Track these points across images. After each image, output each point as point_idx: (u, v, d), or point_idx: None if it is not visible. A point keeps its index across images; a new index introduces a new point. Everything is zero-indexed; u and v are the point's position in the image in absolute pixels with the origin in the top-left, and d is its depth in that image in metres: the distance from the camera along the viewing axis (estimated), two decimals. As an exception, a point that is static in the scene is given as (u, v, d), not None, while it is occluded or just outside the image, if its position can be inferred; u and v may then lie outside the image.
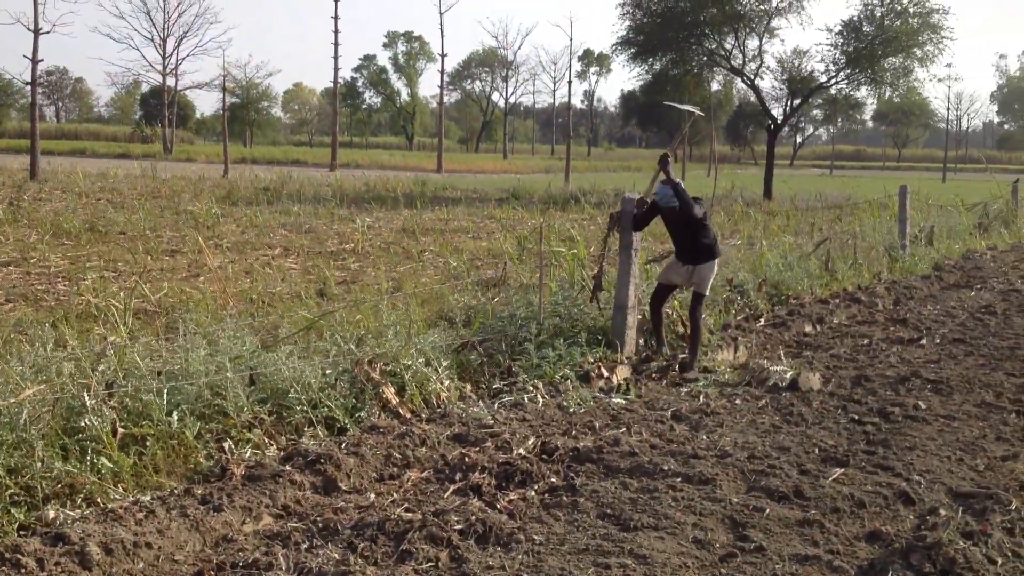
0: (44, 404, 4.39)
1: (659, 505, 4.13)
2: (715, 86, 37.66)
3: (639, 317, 7.35)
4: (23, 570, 3.31)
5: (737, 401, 6.09)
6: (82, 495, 4.03)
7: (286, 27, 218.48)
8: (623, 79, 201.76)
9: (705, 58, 28.81)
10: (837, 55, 27.88)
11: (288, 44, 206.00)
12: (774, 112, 31.54)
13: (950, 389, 6.36)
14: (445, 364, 5.95)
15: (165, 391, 4.74)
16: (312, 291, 8.88)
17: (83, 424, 4.34)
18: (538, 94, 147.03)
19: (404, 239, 14.31)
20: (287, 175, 28.21)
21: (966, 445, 5.17)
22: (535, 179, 36.24)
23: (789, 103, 31.49)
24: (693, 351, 6.92)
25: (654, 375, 6.67)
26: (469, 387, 6.00)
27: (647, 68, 29.50)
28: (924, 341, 8.00)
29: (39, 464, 4.04)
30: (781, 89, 31.49)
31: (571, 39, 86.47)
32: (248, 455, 4.60)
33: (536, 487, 4.38)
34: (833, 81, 28.91)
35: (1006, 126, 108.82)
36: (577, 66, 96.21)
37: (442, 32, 78.10)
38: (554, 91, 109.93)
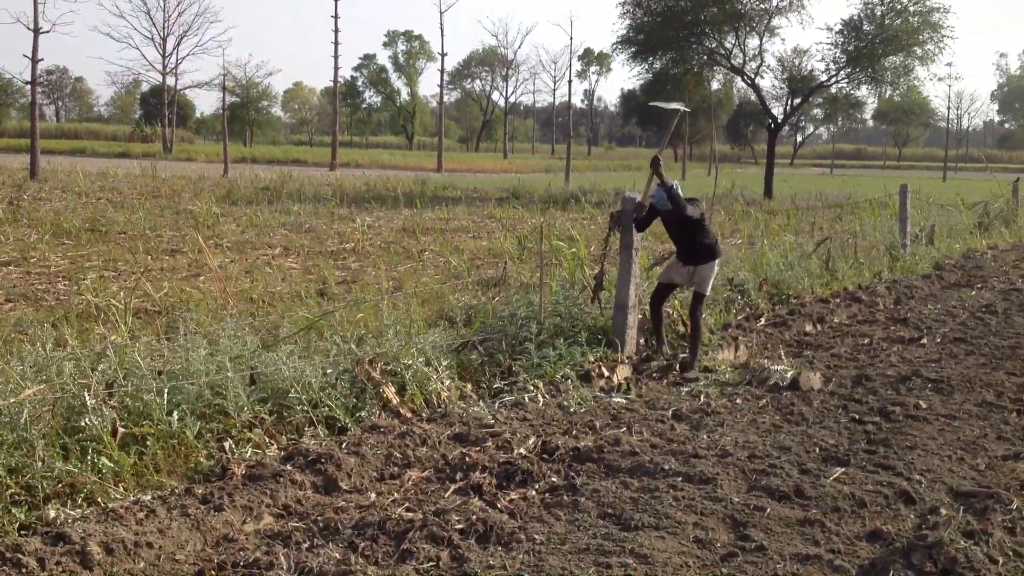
0: (44, 404, 4.38)
1: (660, 505, 4.12)
2: (715, 85, 37.57)
3: (640, 316, 7.35)
4: (24, 570, 3.31)
5: (738, 400, 6.09)
6: (83, 495, 4.03)
7: (286, 26, 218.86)
8: (623, 78, 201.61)
9: (705, 57, 28.79)
10: (837, 54, 27.90)
11: (288, 43, 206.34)
12: (774, 111, 31.56)
13: (951, 388, 6.36)
14: (445, 364, 5.95)
15: (165, 391, 4.74)
16: (312, 291, 8.88)
17: (83, 424, 4.34)
18: (538, 93, 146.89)
19: (404, 238, 14.30)
20: (287, 174, 28.20)
21: (967, 444, 5.16)
22: (535, 178, 36.20)
23: (789, 102, 31.49)
24: (694, 350, 6.92)
25: (655, 374, 6.67)
26: (470, 387, 6.00)
27: (647, 67, 29.50)
28: (925, 340, 8.00)
29: (40, 464, 4.04)
30: (781, 88, 31.53)
31: (571, 38, 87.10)
32: (249, 455, 4.60)
33: (537, 487, 4.38)
34: (833, 80, 28.92)
35: (1006, 125, 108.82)
36: (577, 65, 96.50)
37: (442, 31, 77.99)
38: (554, 90, 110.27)
